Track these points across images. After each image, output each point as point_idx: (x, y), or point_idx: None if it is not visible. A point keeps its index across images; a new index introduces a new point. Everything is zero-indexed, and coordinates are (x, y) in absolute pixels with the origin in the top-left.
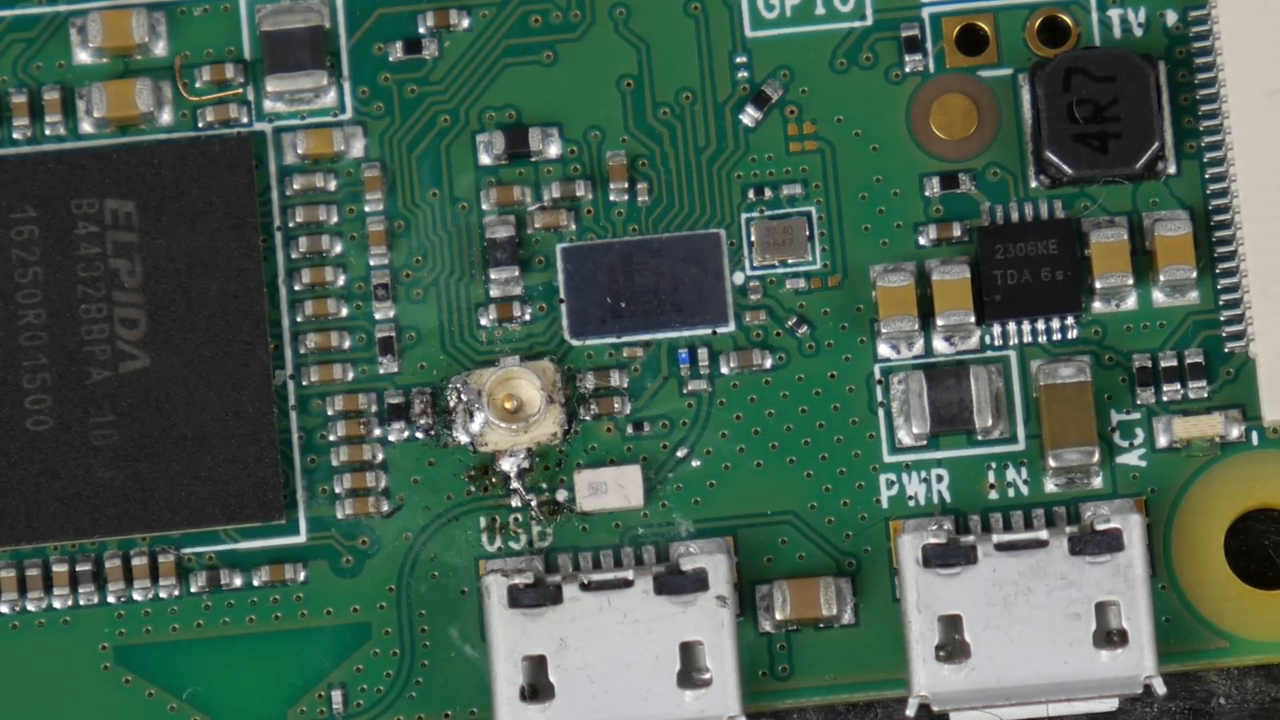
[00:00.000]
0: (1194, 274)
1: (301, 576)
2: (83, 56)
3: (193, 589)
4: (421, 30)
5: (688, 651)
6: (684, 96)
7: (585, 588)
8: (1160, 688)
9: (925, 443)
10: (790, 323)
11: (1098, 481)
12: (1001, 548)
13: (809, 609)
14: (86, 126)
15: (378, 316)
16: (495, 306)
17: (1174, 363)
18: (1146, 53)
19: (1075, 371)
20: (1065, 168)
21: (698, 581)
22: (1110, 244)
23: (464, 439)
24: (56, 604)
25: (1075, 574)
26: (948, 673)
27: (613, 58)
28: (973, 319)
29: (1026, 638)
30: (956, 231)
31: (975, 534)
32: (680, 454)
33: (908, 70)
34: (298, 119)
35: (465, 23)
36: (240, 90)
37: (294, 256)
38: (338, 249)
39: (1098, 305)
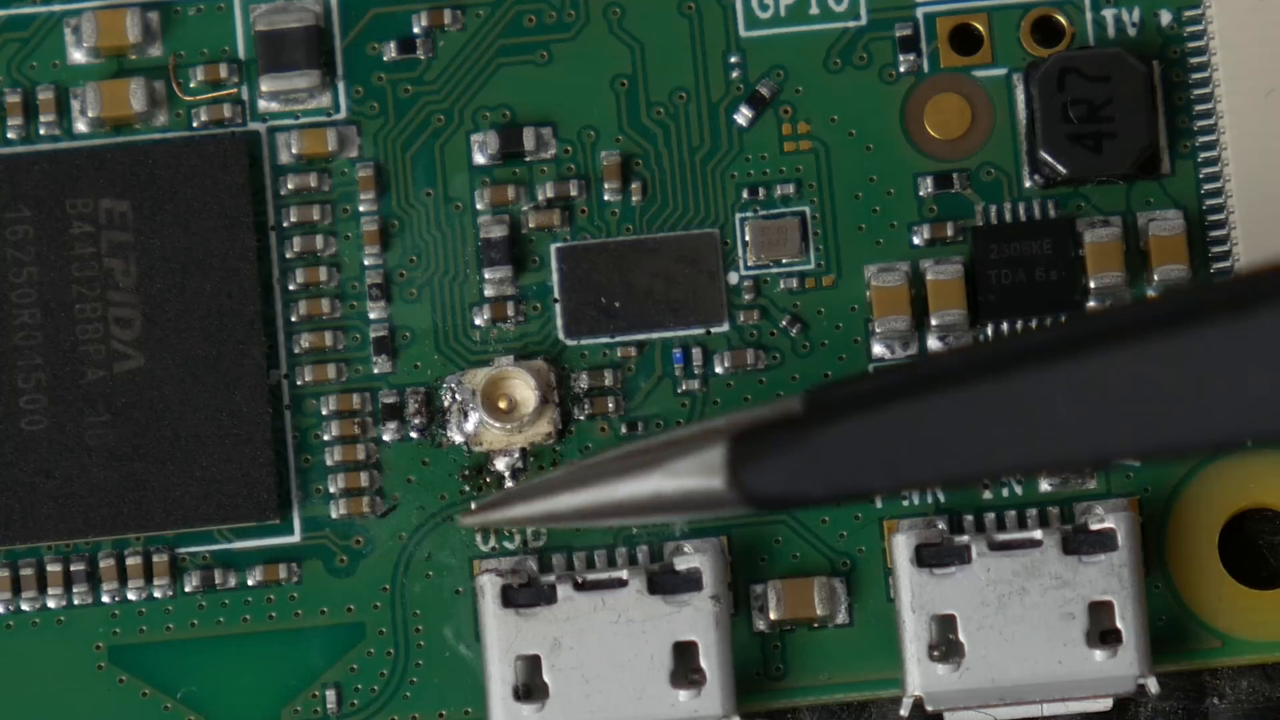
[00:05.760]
0: (1188, 273)
1: (296, 576)
2: (77, 56)
3: (187, 589)
4: (415, 30)
5: (682, 651)
6: (678, 96)
7: (579, 587)
8: (1154, 687)
9: None
10: (784, 322)
11: (1092, 482)
12: (995, 547)
13: (803, 609)
14: (81, 126)
15: (372, 316)
16: (489, 306)
17: None
18: (1141, 52)
19: None
20: (1060, 167)
21: (692, 581)
22: (1104, 244)
23: (458, 439)
24: (51, 604)
25: (1069, 574)
26: (942, 673)
27: (607, 57)
28: (967, 319)
29: (1021, 637)
30: (950, 231)
31: (969, 534)
32: None
33: (902, 70)
34: (292, 119)
35: (459, 23)
36: (235, 90)
37: (288, 256)
38: (332, 249)
39: (1092, 305)
